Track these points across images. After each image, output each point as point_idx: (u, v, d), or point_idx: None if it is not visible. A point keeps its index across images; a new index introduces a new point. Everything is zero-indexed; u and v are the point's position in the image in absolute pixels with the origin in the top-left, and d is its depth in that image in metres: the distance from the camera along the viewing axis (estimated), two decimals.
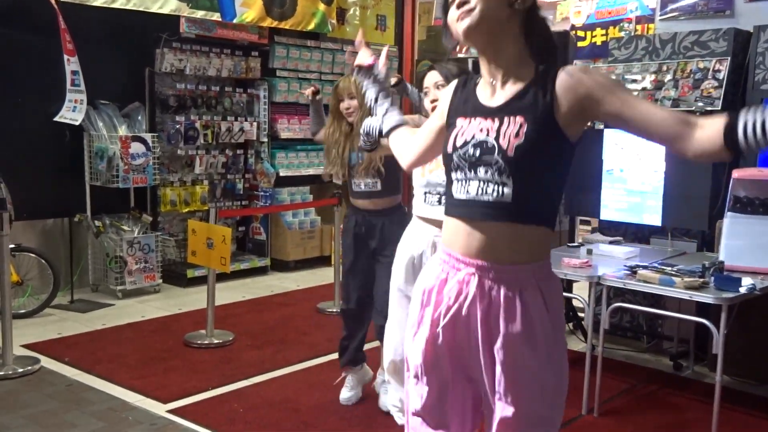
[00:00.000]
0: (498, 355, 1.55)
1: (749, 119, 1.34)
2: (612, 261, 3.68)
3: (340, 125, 3.34)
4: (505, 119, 1.53)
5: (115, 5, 5.27)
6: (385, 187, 3.29)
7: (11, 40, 5.27)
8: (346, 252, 3.45)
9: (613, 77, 1.53)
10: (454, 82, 1.73)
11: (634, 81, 4.36)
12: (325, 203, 6.38)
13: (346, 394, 3.52)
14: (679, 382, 3.99)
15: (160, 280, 5.78)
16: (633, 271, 3.35)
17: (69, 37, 5.16)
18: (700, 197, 3.95)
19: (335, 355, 4.16)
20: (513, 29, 1.55)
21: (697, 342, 4.11)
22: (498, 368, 1.55)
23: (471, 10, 1.51)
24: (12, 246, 4.42)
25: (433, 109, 2.33)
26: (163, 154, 5.96)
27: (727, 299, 3.03)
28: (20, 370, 3.85)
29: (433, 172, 2.77)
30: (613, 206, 4.34)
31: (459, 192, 1.60)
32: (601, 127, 4.71)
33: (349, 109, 3.28)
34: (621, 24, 7.09)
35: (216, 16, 5.91)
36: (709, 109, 4.04)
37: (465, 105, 1.64)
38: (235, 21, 6.03)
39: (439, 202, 2.76)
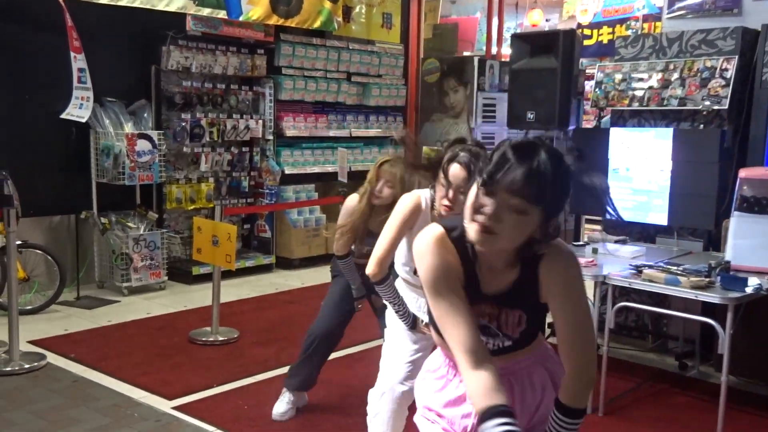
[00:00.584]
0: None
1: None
2: (617, 260, 3.67)
3: (365, 199, 3.14)
4: (503, 311, 1.60)
5: (122, 3, 5.28)
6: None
7: (18, 37, 5.28)
8: (338, 284, 3.40)
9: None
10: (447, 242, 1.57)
11: (641, 80, 4.35)
12: (330, 201, 6.39)
13: (280, 407, 3.38)
14: (685, 382, 3.97)
15: (166, 277, 5.80)
16: (638, 270, 3.34)
17: (76, 35, 5.18)
18: (706, 196, 3.93)
19: (340, 353, 4.16)
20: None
21: (703, 342, 4.10)
22: None
23: (491, 232, 1.42)
24: (19, 242, 4.44)
25: (447, 207, 2.23)
26: (169, 151, 5.97)
27: (733, 299, 3.02)
28: (27, 366, 3.86)
29: None
30: (618, 205, 4.32)
31: None
32: (607, 126, 4.70)
33: (381, 194, 3.06)
34: (628, 22, 7.07)
35: (222, 14, 5.91)
36: (716, 107, 4.02)
37: (467, 287, 1.58)
38: (241, 19, 6.04)
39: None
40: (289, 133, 6.70)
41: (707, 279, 3.15)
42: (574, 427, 1.54)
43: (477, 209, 1.43)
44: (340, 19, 6.89)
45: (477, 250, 1.52)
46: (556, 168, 1.40)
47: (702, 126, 4.20)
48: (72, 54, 5.20)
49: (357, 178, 7.52)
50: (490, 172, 1.40)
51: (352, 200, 3.20)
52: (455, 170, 2.21)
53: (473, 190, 1.45)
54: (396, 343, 2.70)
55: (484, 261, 1.54)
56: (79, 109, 5.30)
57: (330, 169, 6.91)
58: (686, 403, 3.66)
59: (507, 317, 1.60)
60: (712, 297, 3.07)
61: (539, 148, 1.41)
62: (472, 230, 1.44)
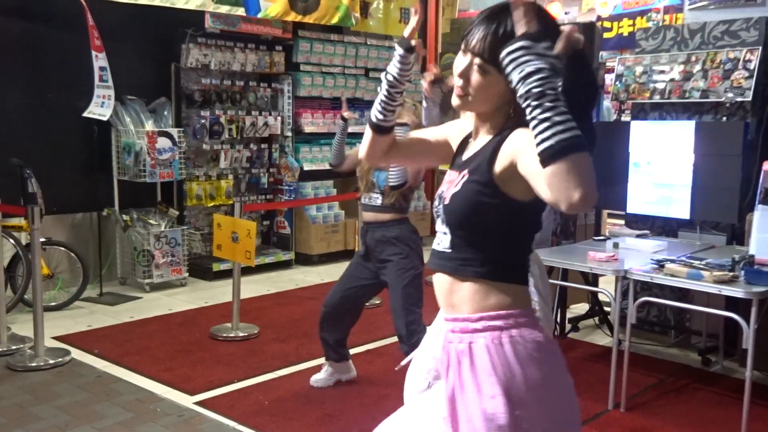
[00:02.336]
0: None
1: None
2: (639, 255, 3.63)
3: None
4: (460, 173, 1.51)
5: (142, 1, 5.33)
6: (384, 205, 3.37)
7: (41, 37, 5.35)
8: (350, 264, 3.59)
9: None
10: (469, 122, 1.62)
11: (662, 72, 4.29)
12: (348, 197, 6.39)
13: (317, 375, 3.67)
14: (708, 377, 3.93)
15: (187, 274, 5.85)
16: (660, 264, 3.31)
17: (97, 34, 5.23)
18: (729, 189, 3.88)
19: (359, 349, 4.17)
20: (507, 102, 1.46)
21: (727, 337, 4.05)
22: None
23: (466, 93, 1.47)
24: (43, 240, 4.51)
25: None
26: (189, 148, 6.02)
27: (757, 293, 2.97)
28: (51, 361, 3.92)
29: None
30: (640, 199, 4.28)
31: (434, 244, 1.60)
32: (628, 119, 4.65)
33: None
34: (649, 14, 6.98)
35: (240, 11, 5.94)
36: (739, 99, 3.96)
37: (456, 157, 1.63)
38: (259, 16, 6.06)
39: None
40: (308, 129, 6.71)
41: (731, 273, 3.11)
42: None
43: (456, 73, 1.48)
44: (357, 14, 6.89)
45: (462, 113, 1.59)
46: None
47: (725, 118, 4.14)
48: (93, 53, 5.25)
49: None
50: (464, 33, 1.47)
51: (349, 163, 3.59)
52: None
53: (459, 56, 1.50)
54: None
55: (476, 131, 1.57)
56: (100, 108, 5.36)
57: None
58: (710, 399, 3.62)
59: (457, 179, 1.50)
60: (735, 291, 3.03)
61: (508, 12, 1.37)
62: (452, 99, 1.50)
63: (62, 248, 5.20)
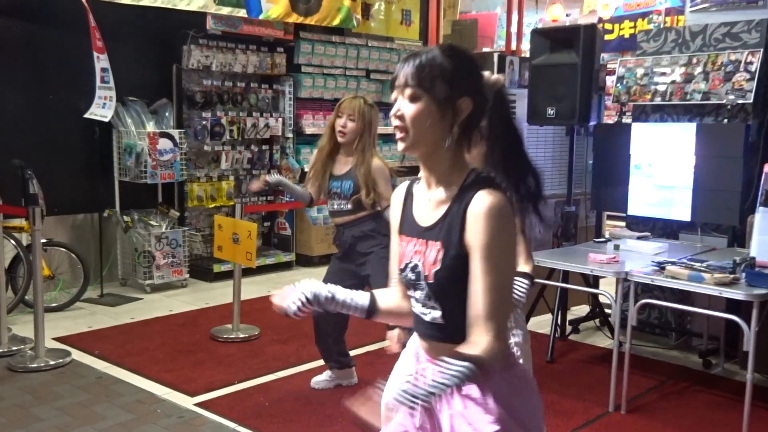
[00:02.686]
0: None
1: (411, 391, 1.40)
2: (640, 257, 3.63)
3: (330, 141, 3.35)
4: (429, 243, 1.52)
5: (144, 2, 5.34)
6: (354, 207, 3.37)
7: (43, 38, 5.36)
8: (332, 261, 3.63)
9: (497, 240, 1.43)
10: (403, 187, 1.66)
11: (663, 74, 4.29)
12: None
13: (318, 377, 3.69)
14: (709, 379, 3.92)
15: (187, 275, 5.85)
16: (661, 266, 3.30)
17: (98, 35, 5.24)
18: (730, 192, 3.87)
19: (360, 350, 4.17)
20: (450, 142, 1.49)
21: (728, 339, 4.04)
22: None
23: (405, 130, 1.48)
24: (44, 241, 4.51)
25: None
26: (190, 150, 6.02)
27: (758, 295, 2.97)
28: (52, 362, 3.92)
29: None
30: (641, 201, 4.28)
31: (413, 308, 1.61)
32: (629, 120, 4.65)
33: (344, 128, 3.27)
34: (650, 16, 6.98)
35: (242, 13, 5.94)
36: (741, 101, 3.96)
37: (405, 222, 1.62)
38: (261, 17, 6.06)
39: None
40: (309, 130, 6.71)
41: (732, 275, 3.11)
42: (453, 370, 1.39)
43: (393, 115, 1.51)
44: (359, 16, 6.89)
45: (417, 168, 1.57)
46: (446, 57, 1.47)
47: (726, 120, 4.14)
48: (95, 54, 5.26)
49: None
50: (394, 75, 1.52)
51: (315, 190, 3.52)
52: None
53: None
54: None
55: (425, 180, 1.57)
56: (102, 109, 5.36)
57: None
58: (711, 401, 3.61)
59: (429, 251, 1.51)
60: (736, 294, 3.03)
61: (435, 48, 1.50)
62: (397, 140, 1.52)
63: (63, 249, 5.20)
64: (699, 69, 4.15)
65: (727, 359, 4.09)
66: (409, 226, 1.59)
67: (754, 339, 2.98)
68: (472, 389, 1.47)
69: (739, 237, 3.99)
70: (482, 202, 1.43)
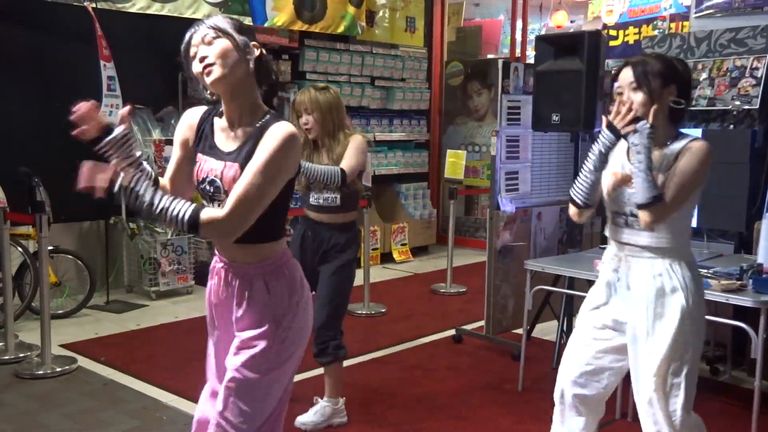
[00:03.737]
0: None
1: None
2: None
3: (305, 139, 3.25)
4: (227, 164, 1.87)
5: (150, 11, 5.37)
6: (344, 203, 3.22)
7: (49, 46, 5.40)
8: None
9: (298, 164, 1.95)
10: (200, 111, 2.04)
11: None
12: None
13: (304, 417, 3.32)
14: (716, 387, 3.90)
15: (193, 282, 5.86)
16: None
17: (105, 43, 5.27)
18: (737, 198, 3.86)
19: (364, 357, 4.17)
20: (250, 79, 1.89)
21: (735, 346, 4.02)
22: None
23: (212, 65, 1.82)
24: (50, 248, 4.52)
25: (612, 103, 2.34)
26: None
27: (766, 302, 2.95)
28: (58, 369, 3.93)
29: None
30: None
31: None
32: None
33: (307, 125, 3.18)
34: (655, 22, 6.98)
35: (247, 21, 5.97)
36: (746, 107, 3.95)
37: (204, 142, 1.96)
38: (266, 25, 6.09)
39: (617, 223, 2.44)
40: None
41: (739, 282, 3.10)
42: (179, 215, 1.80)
43: (197, 71, 1.87)
44: (363, 23, 6.92)
45: (218, 102, 1.96)
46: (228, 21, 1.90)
47: (732, 126, 4.13)
48: (101, 62, 5.29)
49: (381, 182, 7.57)
50: (186, 47, 1.91)
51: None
52: (624, 73, 2.37)
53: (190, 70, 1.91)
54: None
55: (228, 118, 1.94)
56: (108, 117, 5.38)
57: None
58: (718, 409, 3.59)
59: (227, 171, 1.86)
60: (744, 300, 3.02)
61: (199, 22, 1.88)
62: (205, 79, 1.87)
63: (69, 256, 5.22)
64: (704, 75, 4.14)
65: (735, 366, 4.06)
66: (208, 146, 1.94)
67: (762, 346, 2.97)
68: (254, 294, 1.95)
69: (746, 243, 3.98)
70: (274, 131, 1.82)
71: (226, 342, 2.12)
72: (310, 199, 3.26)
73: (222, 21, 1.89)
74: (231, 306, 2.06)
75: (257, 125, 1.87)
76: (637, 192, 2.23)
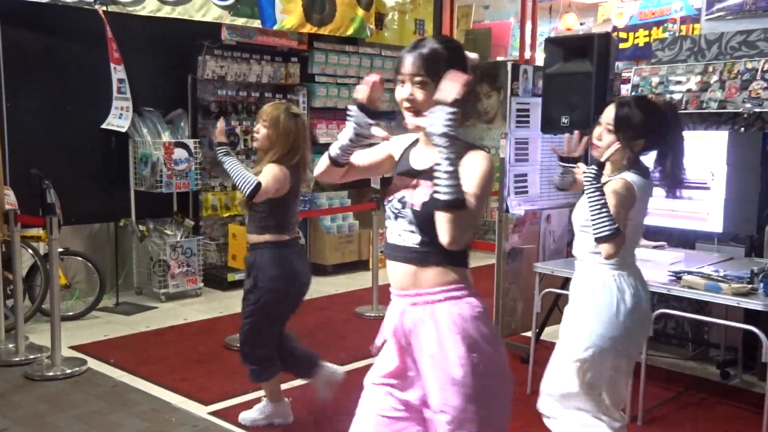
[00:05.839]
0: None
1: None
2: (656, 266, 3.60)
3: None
4: (420, 182, 1.86)
5: (160, 14, 5.40)
6: (254, 220, 3.15)
7: (60, 49, 5.43)
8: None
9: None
10: (409, 138, 2.01)
11: (679, 83, 4.27)
12: (363, 208, 6.40)
13: (247, 413, 3.38)
14: (727, 390, 3.88)
15: (202, 284, 5.88)
16: (678, 276, 3.28)
17: (116, 46, 5.30)
18: (748, 201, 3.84)
19: (364, 362, 4.16)
20: None
21: (746, 350, 3.99)
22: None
23: (414, 110, 1.82)
24: (60, 250, 4.55)
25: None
26: (205, 159, 6.06)
27: None
28: (68, 371, 3.95)
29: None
30: (656, 210, 4.25)
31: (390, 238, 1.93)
32: None
33: (257, 133, 3.16)
34: (665, 24, 6.95)
35: (256, 24, 5.99)
36: (757, 110, 3.93)
37: (400, 163, 1.98)
38: (275, 28, 6.11)
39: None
40: (323, 140, 6.74)
41: (749, 285, 3.08)
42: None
43: (399, 99, 1.85)
44: (372, 26, 6.92)
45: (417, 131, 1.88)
46: (445, 48, 1.82)
47: (743, 129, 4.10)
48: (112, 65, 5.32)
49: (389, 185, 7.57)
50: (396, 67, 1.87)
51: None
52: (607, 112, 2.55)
53: (397, 89, 1.86)
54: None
55: (423, 140, 1.91)
56: (118, 119, 5.42)
57: None
58: (729, 413, 3.57)
59: (419, 188, 1.84)
60: (754, 304, 3.00)
61: (431, 40, 1.85)
62: (406, 117, 1.84)
63: (80, 258, 5.24)
64: (715, 77, 4.12)
65: (746, 370, 4.04)
66: (404, 168, 1.93)
67: None
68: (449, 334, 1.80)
69: (757, 247, 3.95)
70: (472, 157, 1.80)
71: None
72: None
73: (438, 59, 1.80)
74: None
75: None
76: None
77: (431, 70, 1.78)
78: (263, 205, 3.07)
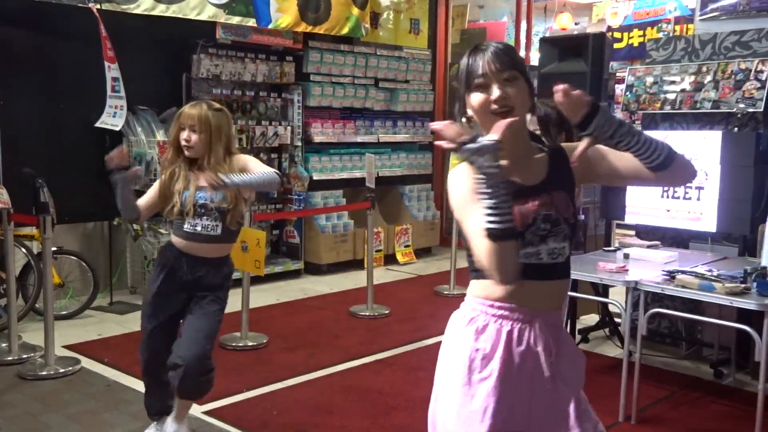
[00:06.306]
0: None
1: None
2: (649, 265, 3.61)
3: (178, 157, 2.90)
4: (553, 195, 1.70)
5: (154, 12, 5.38)
6: (225, 232, 2.91)
7: (54, 47, 5.41)
8: (152, 300, 3.03)
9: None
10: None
11: (673, 83, 4.28)
12: (358, 207, 6.40)
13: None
14: (720, 390, 3.89)
15: None
16: (671, 276, 3.29)
17: (110, 45, 5.28)
18: (741, 200, 3.85)
19: (368, 359, 4.16)
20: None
21: (739, 349, 4.01)
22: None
23: (509, 108, 1.64)
24: (54, 249, 4.53)
25: None
26: None
27: None
28: (62, 370, 3.94)
29: None
30: (650, 210, 4.26)
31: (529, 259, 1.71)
32: (638, 128, 4.63)
33: (189, 143, 2.82)
34: (659, 25, 6.98)
35: (251, 22, 5.98)
36: (751, 110, 3.95)
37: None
38: (270, 27, 6.10)
39: None
40: (318, 139, 6.74)
41: (743, 285, 3.09)
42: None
43: (485, 106, 1.66)
44: (367, 25, 6.92)
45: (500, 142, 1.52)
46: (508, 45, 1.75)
47: (736, 129, 4.12)
48: (106, 63, 5.30)
49: (385, 184, 7.58)
50: (466, 75, 1.69)
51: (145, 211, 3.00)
52: None
53: (467, 100, 1.69)
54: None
55: (511, 156, 1.63)
56: (113, 118, 5.40)
57: (358, 174, 6.94)
58: (722, 412, 3.58)
59: (558, 200, 1.70)
60: (747, 303, 3.01)
61: (486, 45, 1.71)
62: (495, 123, 1.54)
63: (73, 257, 5.22)
64: (709, 77, 4.13)
65: (739, 369, 4.05)
66: (517, 191, 1.64)
67: (766, 349, 2.96)
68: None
69: (750, 246, 3.97)
70: (570, 147, 1.72)
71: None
72: (185, 226, 2.89)
73: (514, 53, 1.73)
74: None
75: (544, 152, 1.77)
76: None
77: (517, 65, 1.68)
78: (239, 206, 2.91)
